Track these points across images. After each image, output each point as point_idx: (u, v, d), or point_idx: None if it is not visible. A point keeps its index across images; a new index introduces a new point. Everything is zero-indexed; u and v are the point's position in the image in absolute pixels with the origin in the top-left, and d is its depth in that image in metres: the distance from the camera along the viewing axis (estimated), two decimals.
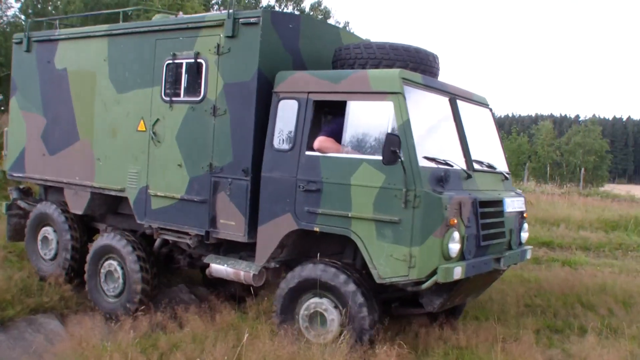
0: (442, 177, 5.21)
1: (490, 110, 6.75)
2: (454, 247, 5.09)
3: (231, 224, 6.01)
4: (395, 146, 4.86)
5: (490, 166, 6.21)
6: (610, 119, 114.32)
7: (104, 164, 7.13)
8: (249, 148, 5.87)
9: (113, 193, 7.07)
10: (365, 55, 5.86)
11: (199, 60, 6.23)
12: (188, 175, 6.32)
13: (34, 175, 7.99)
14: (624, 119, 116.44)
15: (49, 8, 24.19)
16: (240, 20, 5.92)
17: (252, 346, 5.10)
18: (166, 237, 6.69)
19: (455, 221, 5.10)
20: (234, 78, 5.98)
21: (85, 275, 7.28)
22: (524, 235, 6.52)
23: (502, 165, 6.54)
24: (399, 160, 4.94)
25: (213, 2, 31.05)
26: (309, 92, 5.61)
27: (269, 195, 5.75)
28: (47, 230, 7.94)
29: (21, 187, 8.62)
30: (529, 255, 6.56)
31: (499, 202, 5.93)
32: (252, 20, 5.84)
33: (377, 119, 5.26)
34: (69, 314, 7.07)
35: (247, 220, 5.88)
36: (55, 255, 7.84)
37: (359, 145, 5.35)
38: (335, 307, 5.45)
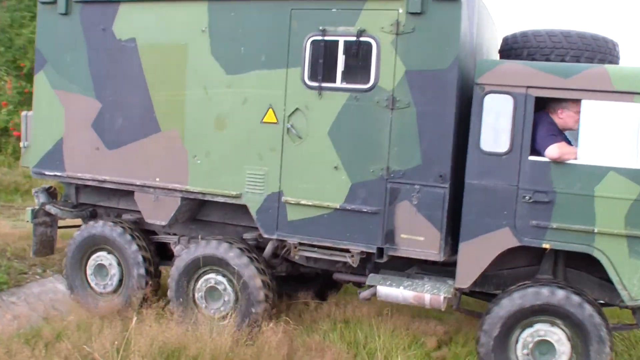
0: None
1: None
2: None
3: (418, 240, 5.06)
4: None
5: None
6: None
7: (204, 163, 5.68)
8: (448, 150, 4.93)
9: (221, 199, 5.68)
10: (565, 45, 5.15)
11: (364, 39, 5.10)
12: (350, 180, 5.21)
13: (80, 175, 6.19)
14: None
15: None
16: None
17: (140, 330, 5.08)
18: (309, 254, 5.53)
19: None
20: (421, 65, 4.96)
21: (171, 293, 5.88)
22: None
23: None
24: None
25: None
26: (528, 87, 4.80)
27: (478, 206, 4.89)
28: (101, 256, 6.27)
29: (46, 187, 6.70)
30: None
31: None
32: None
33: (621, 121, 4.63)
34: None
35: (443, 236, 4.98)
36: (119, 285, 6.24)
37: (598, 151, 4.69)
38: (565, 335, 4.80)
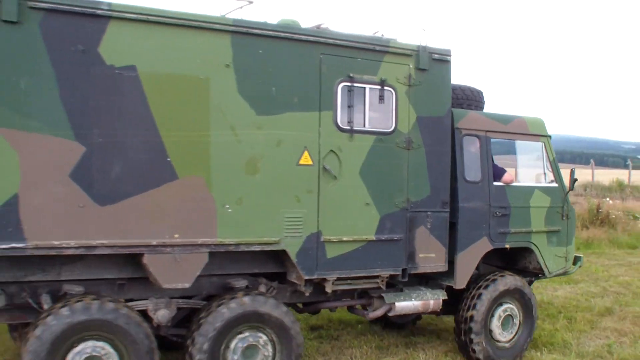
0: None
1: None
2: None
3: (431, 257, 6.07)
4: (574, 177, 6.75)
5: None
6: None
7: (235, 211, 5.15)
8: (447, 181, 6.13)
9: (257, 248, 5.26)
10: (463, 96, 6.98)
11: (386, 87, 5.77)
12: (378, 214, 5.77)
13: (57, 243, 4.52)
14: None
15: None
16: (434, 55, 6.01)
17: None
18: (342, 287, 5.73)
19: None
20: (428, 112, 6.00)
21: None
22: None
23: None
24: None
25: None
26: (486, 131, 6.48)
27: (467, 223, 6.28)
28: (91, 348, 4.73)
29: None
30: None
31: None
32: (446, 57, 6.08)
33: (534, 155, 6.84)
34: None
35: (447, 250, 6.14)
36: None
37: (528, 175, 6.78)
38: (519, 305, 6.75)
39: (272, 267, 5.73)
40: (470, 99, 7.00)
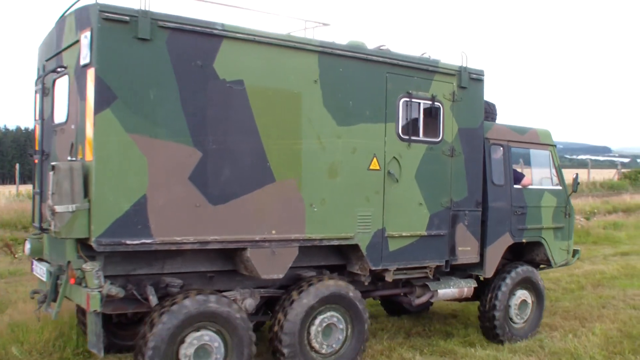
0: None
1: None
2: None
3: (467, 250, 6.96)
4: (577, 181, 7.85)
5: None
6: None
7: (319, 210, 5.81)
8: (480, 184, 7.05)
9: (335, 243, 5.95)
10: (488, 110, 7.94)
11: (436, 103, 6.60)
12: (428, 212, 6.59)
13: (179, 239, 5.02)
14: None
15: None
16: (472, 75, 6.89)
17: None
18: (400, 276, 6.51)
19: None
20: (466, 124, 6.89)
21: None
22: None
23: None
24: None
25: None
26: (508, 141, 7.45)
27: (495, 221, 7.21)
28: (204, 337, 5.27)
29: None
30: None
31: None
32: (480, 77, 6.99)
33: (543, 161, 7.89)
34: None
35: (479, 244, 7.05)
36: None
37: (540, 179, 7.81)
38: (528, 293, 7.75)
39: (334, 259, 6.44)
40: (488, 112, 7.94)
